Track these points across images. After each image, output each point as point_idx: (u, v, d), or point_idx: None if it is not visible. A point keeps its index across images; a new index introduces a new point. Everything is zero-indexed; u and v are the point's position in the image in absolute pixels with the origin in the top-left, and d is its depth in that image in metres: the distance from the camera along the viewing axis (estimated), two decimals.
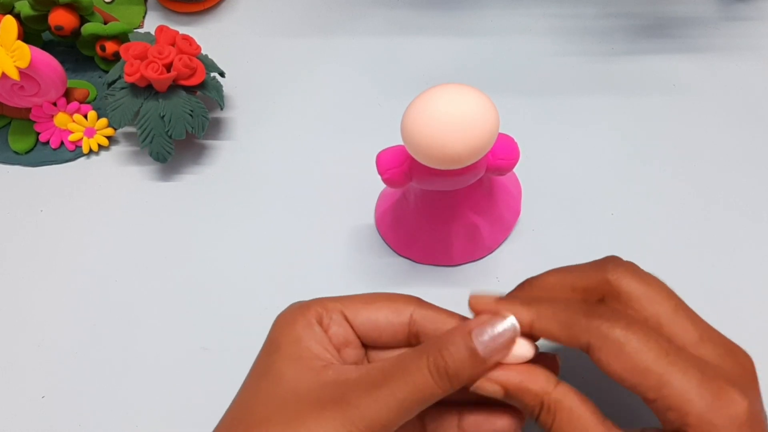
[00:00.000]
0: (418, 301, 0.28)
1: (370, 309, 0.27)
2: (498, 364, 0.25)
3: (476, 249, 0.37)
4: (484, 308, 0.26)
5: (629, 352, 0.23)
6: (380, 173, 0.31)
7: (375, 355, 0.29)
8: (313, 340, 0.26)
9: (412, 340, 0.27)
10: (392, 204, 0.37)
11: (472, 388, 0.25)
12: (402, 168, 0.31)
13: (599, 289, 0.26)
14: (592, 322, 0.24)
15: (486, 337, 0.24)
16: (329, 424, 0.23)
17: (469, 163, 0.29)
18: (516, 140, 0.32)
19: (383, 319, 0.27)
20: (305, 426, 0.23)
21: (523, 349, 0.25)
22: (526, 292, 0.28)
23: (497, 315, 0.25)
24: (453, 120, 0.27)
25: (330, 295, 0.28)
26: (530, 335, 0.25)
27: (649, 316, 0.25)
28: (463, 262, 0.37)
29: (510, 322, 0.25)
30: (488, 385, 0.25)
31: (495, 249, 0.37)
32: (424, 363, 0.24)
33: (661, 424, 0.24)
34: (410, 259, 0.37)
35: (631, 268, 0.26)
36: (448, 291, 0.36)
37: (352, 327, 0.27)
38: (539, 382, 0.25)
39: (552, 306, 0.25)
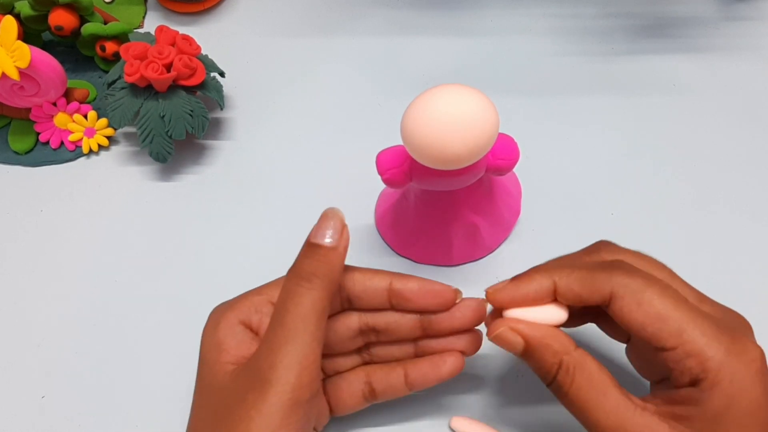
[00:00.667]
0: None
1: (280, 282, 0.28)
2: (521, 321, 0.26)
3: (476, 249, 0.37)
4: (502, 297, 0.27)
5: (650, 300, 0.24)
6: (380, 173, 0.31)
7: None
8: (235, 343, 0.27)
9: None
10: (392, 204, 0.37)
11: (492, 337, 0.26)
12: (402, 168, 0.31)
13: (605, 290, 0.26)
14: (612, 276, 0.25)
15: (318, 232, 0.27)
16: (255, 405, 0.24)
17: (468, 164, 0.29)
18: (516, 140, 0.32)
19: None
20: (246, 425, 0.24)
21: (554, 313, 0.26)
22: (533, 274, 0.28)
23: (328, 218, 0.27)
24: (453, 121, 0.27)
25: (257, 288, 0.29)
26: (558, 299, 0.26)
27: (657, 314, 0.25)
28: (463, 262, 0.37)
29: (334, 211, 0.27)
30: (510, 336, 0.26)
31: (495, 249, 0.37)
32: (285, 280, 0.27)
33: (675, 379, 0.24)
34: (410, 259, 0.37)
35: (622, 248, 0.27)
36: None
37: None
38: (561, 340, 0.25)
39: (571, 267, 0.26)
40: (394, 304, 0.29)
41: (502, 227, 0.37)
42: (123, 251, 0.38)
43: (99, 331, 0.36)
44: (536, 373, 0.26)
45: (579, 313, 0.28)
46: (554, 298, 0.26)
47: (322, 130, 0.43)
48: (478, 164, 0.30)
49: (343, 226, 0.27)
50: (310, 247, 0.27)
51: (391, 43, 0.46)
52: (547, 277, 0.26)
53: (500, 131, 0.30)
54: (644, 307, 0.24)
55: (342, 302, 0.29)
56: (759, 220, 0.38)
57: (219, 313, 0.28)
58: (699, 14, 0.47)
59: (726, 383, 0.23)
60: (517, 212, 0.38)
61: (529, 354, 0.26)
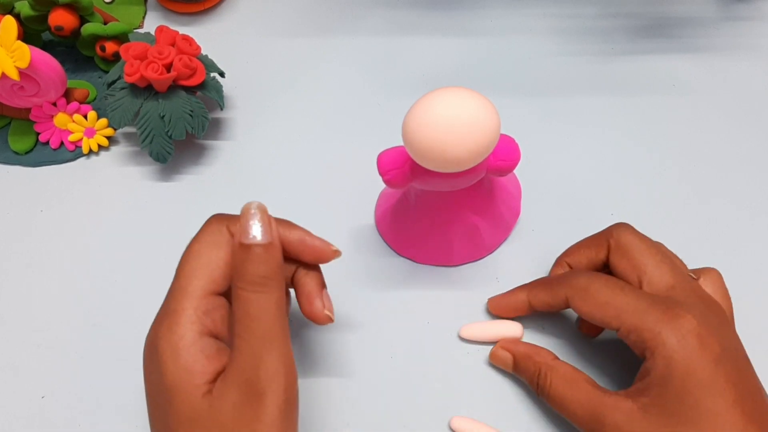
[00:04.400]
0: (222, 218, 0.28)
1: (211, 267, 0.27)
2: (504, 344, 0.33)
3: (476, 249, 0.37)
4: (493, 304, 0.35)
5: (592, 293, 0.30)
6: (381, 174, 0.31)
7: None
8: (204, 359, 0.25)
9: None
10: (392, 204, 0.37)
11: (490, 357, 0.33)
12: (403, 169, 0.31)
13: (606, 243, 0.32)
14: (565, 282, 0.31)
15: (243, 232, 0.26)
16: (257, 416, 0.24)
17: (470, 166, 0.29)
18: (516, 141, 0.32)
19: (224, 263, 0.27)
20: None
21: (515, 328, 0.34)
22: (559, 262, 0.35)
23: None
24: (454, 124, 0.27)
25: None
26: (532, 308, 0.33)
27: (638, 264, 0.30)
28: (463, 263, 0.37)
29: (254, 204, 0.27)
30: (501, 353, 0.33)
31: (495, 249, 0.37)
32: (236, 288, 0.26)
33: (636, 352, 0.29)
34: (410, 259, 0.37)
35: (631, 228, 0.32)
36: (449, 291, 0.36)
37: (220, 294, 0.27)
38: (542, 353, 0.32)
39: (540, 282, 0.33)
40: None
41: (502, 227, 0.37)
42: (123, 251, 0.38)
43: (99, 331, 0.36)
44: (527, 384, 0.32)
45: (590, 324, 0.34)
46: (531, 307, 0.33)
47: (322, 130, 0.43)
48: (479, 165, 0.30)
49: (269, 218, 0.27)
50: (245, 249, 0.26)
51: (391, 43, 0.46)
52: (524, 292, 0.33)
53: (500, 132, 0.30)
54: (588, 299, 0.30)
55: None
56: (759, 219, 0.38)
57: (169, 335, 0.25)
58: (699, 14, 0.47)
59: (661, 347, 0.27)
60: (517, 213, 0.38)
61: (516, 365, 0.32)
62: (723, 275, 0.32)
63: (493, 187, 0.35)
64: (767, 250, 0.37)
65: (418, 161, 0.29)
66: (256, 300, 0.25)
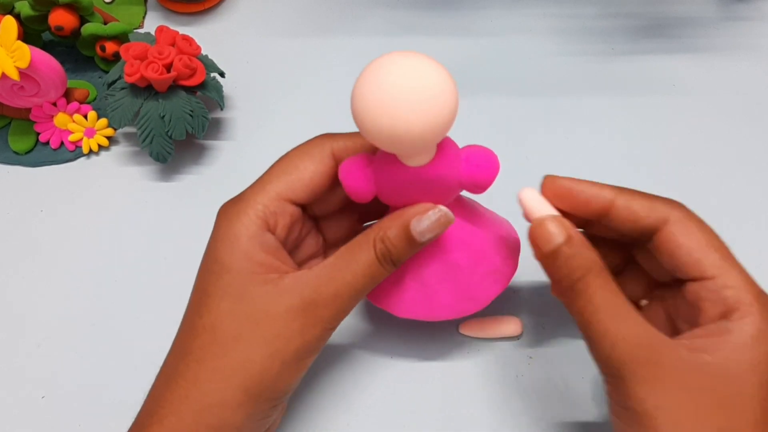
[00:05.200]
0: (329, 137, 0.29)
1: (297, 175, 0.28)
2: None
3: (462, 298, 0.30)
4: (560, 184, 0.27)
5: (699, 232, 0.25)
6: (341, 179, 0.28)
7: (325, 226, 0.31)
8: (263, 251, 0.26)
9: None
10: None
11: (533, 230, 0.26)
12: (364, 172, 0.27)
13: (667, 213, 0.26)
14: (670, 206, 0.26)
15: (422, 225, 0.26)
16: (303, 330, 0.26)
17: (424, 143, 0.24)
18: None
19: (311, 176, 0.28)
20: (281, 338, 0.25)
21: (513, 326, 0.33)
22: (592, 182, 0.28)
23: (430, 206, 0.27)
24: (403, 89, 0.23)
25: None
26: (606, 213, 0.27)
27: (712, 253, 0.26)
28: (450, 317, 0.31)
29: (441, 209, 0.26)
30: (552, 227, 0.26)
31: (488, 302, 0.31)
32: (372, 255, 0.26)
33: (704, 311, 0.25)
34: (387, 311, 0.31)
35: (691, 213, 0.27)
36: None
37: (295, 204, 0.28)
38: (594, 254, 0.26)
39: (632, 191, 0.27)
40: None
41: (495, 277, 0.30)
42: (123, 251, 0.38)
43: (99, 331, 0.36)
44: (555, 273, 0.26)
45: (616, 246, 0.29)
46: (606, 211, 0.27)
47: (322, 131, 0.42)
48: (448, 170, 0.26)
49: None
50: (412, 242, 0.27)
51: (391, 43, 0.46)
52: (609, 190, 0.27)
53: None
54: (694, 235, 0.25)
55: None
56: (759, 219, 0.38)
57: (235, 223, 0.27)
58: (699, 14, 0.47)
59: (757, 316, 0.24)
60: (514, 266, 0.31)
61: (563, 251, 0.25)
62: None
63: (479, 224, 0.30)
64: (767, 250, 0.37)
65: (368, 137, 0.24)
66: (370, 266, 0.26)
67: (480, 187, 0.27)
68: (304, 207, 0.29)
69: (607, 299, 0.25)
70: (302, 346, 0.26)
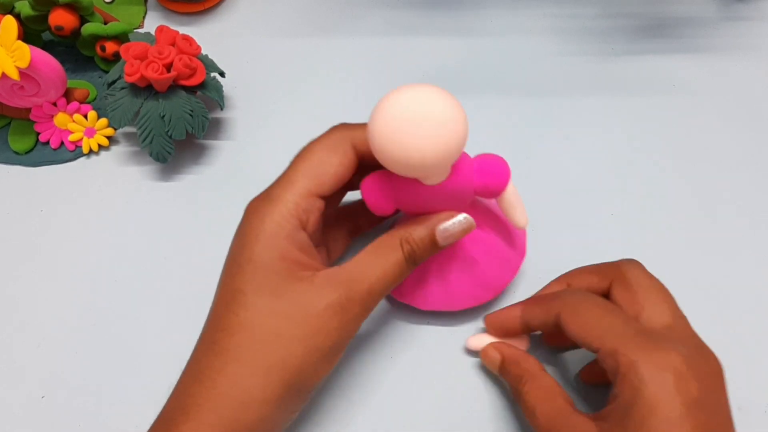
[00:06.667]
0: (348, 127, 0.30)
1: (323, 169, 0.29)
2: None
3: (479, 289, 0.34)
4: (489, 321, 0.33)
5: (582, 311, 0.28)
6: (365, 200, 0.30)
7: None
8: (297, 249, 0.28)
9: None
10: None
11: (481, 354, 0.33)
12: (384, 192, 0.29)
13: (612, 274, 0.30)
14: (559, 296, 0.30)
15: (447, 231, 0.29)
16: (340, 325, 0.27)
17: (438, 167, 0.27)
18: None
19: (335, 169, 0.29)
20: (321, 333, 0.27)
21: (520, 340, 0.33)
22: (559, 279, 0.33)
23: (454, 214, 0.29)
24: (415, 118, 0.25)
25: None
26: (526, 325, 0.31)
27: (639, 299, 0.29)
28: (467, 306, 0.34)
29: (462, 216, 0.29)
30: (491, 353, 0.32)
31: (501, 291, 0.34)
32: (400, 254, 0.28)
33: (610, 377, 0.27)
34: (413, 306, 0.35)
35: (641, 266, 0.31)
36: None
37: (322, 198, 0.29)
38: (529, 362, 0.31)
39: (535, 297, 0.32)
40: None
41: (507, 267, 0.34)
42: (123, 251, 0.38)
43: (99, 331, 0.36)
44: (510, 386, 0.31)
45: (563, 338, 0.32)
46: (525, 324, 0.31)
47: (321, 131, 0.42)
48: (462, 182, 0.28)
49: (465, 231, 0.30)
50: (435, 245, 0.29)
51: (391, 43, 0.46)
52: (519, 308, 0.32)
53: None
54: (577, 317, 0.28)
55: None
56: (759, 219, 0.38)
57: (269, 219, 0.28)
58: (699, 14, 0.47)
59: (632, 375, 0.25)
60: (523, 252, 0.35)
61: (502, 367, 0.32)
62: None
63: (491, 220, 0.33)
64: (767, 250, 0.37)
65: (385, 164, 0.26)
66: (398, 266, 0.29)
67: (493, 194, 0.30)
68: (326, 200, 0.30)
69: (535, 395, 0.29)
70: (339, 340, 0.27)
